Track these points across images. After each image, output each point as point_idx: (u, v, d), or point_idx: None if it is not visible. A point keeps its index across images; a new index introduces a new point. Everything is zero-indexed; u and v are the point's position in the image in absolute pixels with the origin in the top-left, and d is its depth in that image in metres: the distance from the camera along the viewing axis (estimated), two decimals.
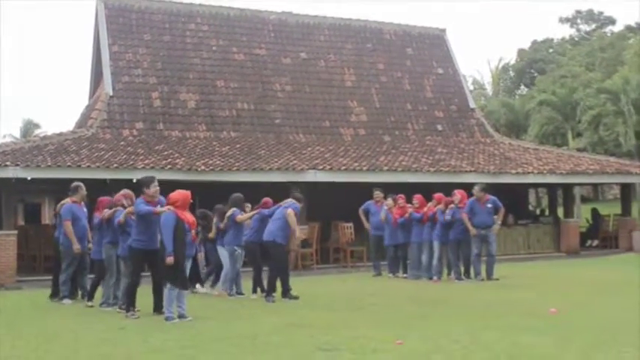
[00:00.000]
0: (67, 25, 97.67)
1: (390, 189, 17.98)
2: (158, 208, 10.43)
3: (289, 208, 12.74)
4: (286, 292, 12.65)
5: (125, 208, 11.38)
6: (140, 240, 10.66)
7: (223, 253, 13.60)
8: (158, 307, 10.75)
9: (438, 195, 16.15)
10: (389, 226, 16.98)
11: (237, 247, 13.37)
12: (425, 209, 16.15)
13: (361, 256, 20.86)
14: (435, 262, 15.82)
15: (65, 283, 12.90)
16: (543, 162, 24.09)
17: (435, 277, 15.76)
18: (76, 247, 12.59)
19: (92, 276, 12.77)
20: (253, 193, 13.66)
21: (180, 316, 10.12)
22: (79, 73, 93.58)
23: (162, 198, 10.84)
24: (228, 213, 13.40)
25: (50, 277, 14.03)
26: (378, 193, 17.72)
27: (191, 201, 10.57)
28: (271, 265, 12.82)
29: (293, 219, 12.59)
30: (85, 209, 13.03)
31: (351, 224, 20.86)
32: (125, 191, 11.84)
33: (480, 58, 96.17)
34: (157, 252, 10.43)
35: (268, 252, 12.80)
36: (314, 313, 10.88)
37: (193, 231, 10.33)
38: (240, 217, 13.30)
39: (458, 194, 15.70)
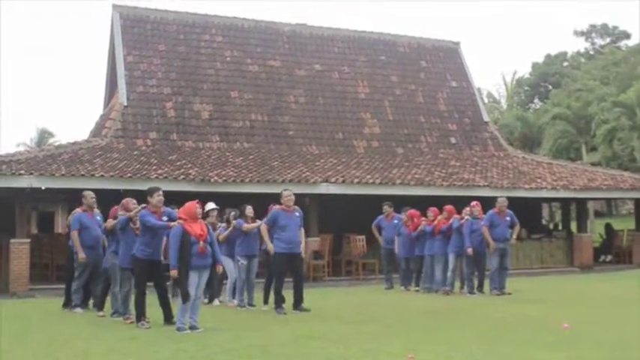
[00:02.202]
0: (83, 34, 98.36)
1: (402, 202, 17.95)
2: (171, 223, 10.45)
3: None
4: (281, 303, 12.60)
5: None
6: (145, 250, 10.67)
7: (227, 262, 13.60)
8: (168, 318, 10.75)
9: (449, 207, 16.11)
10: (402, 239, 16.94)
11: (241, 258, 13.33)
12: (435, 222, 16.11)
13: (373, 268, 20.81)
14: (448, 273, 15.75)
15: (77, 291, 12.93)
16: (557, 176, 24.00)
17: (447, 288, 15.67)
18: (81, 256, 12.65)
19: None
20: (265, 204, 13.60)
21: (192, 328, 10.10)
22: (94, 82, 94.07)
23: (168, 209, 10.86)
24: (233, 223, 13.40)
25: (63, 286, 14.07)
26: (387, 208, 17.68)
27: (198, 210, 10.53)
28: (296, 277, 12.75)
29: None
30: (98, 217, 13.06)
31: (363, 237, 20.82)
32: (125, 200, 11.77)
33: (494, 72, 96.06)
34: (160, 263, 10.49)
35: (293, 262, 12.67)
36: (325, 325, 10.84)
37: (202, 243, 10.26)
38: (247, 226, 13.27)
39: (477, 205, 15.67)
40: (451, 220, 15.75)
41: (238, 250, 13.41)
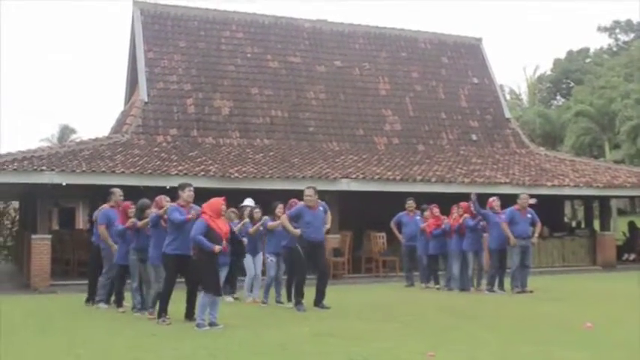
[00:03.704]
0: (104, 31, 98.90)
1: (423, 199, 17.89)
2: (189, 215, 10.51)
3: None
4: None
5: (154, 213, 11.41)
6: (173, 246, 10.71)
7: (247, 259, 13.77)
8: (190, 315, 10.79)
9: (464, 203, 16.03)
10: (422, 236, 16.90)
11: (270, 255, 13.43)
12: (451, 220, 16.04)
13: (393, 266, 20.77)
14: (469, 272, 15.68)
15: (104, 286, 13.01)
16: (580, 174, 23.83)
17: (472, 288, 15.62)
18: (114, 247, 12.71)
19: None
20: (286, 200, 13.60)
21: (212, 324, 10.13)
22: (115, 79, 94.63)
23: (196, 206, 10.89)
24: (261, 222, 13.50)
25: (84, 282, 14.16)
26: (410, 203, 17.60)
27: (223, 206, 10.57)
28: (320, 273, 12.74)
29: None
30: None
31: (383, 234, 20.80)
32: (159, 198, 11.79)
33: (516, 68, 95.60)
34: (190, 258, 10.50)
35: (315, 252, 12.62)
36: (345, 322, 10.83)
37: (225, 242, 10.30)
38: (271, 224, 13.33)
39: (497, 200, 15.60)
40: (461, 219, 15.67)
41: (267, 247, 13.60)
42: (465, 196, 16.36)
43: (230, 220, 13.21)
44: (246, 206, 14.44)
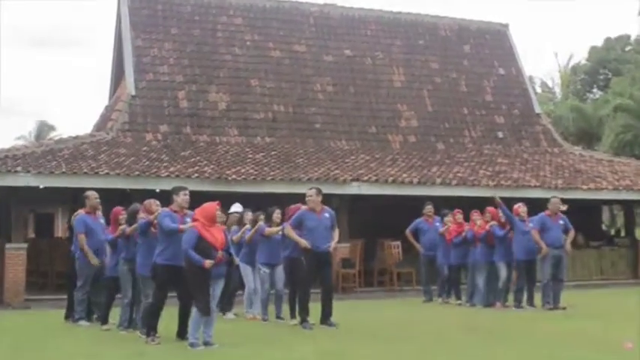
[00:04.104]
0: (86, 16, 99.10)
1: (443, 204, 17.86)
2: (183, 226, 10.47)
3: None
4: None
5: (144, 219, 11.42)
6: (164, 256, 10.70)
7: (246, 270, 13.69)
8: (182, 332, 10.77)
9: (491, 209, 16.00)
10: (442, 244, 16.88)
11: (262, 266, 13.36)
12: (475, 228, 16.00)
13: (410, 278, 20.77)
14: (499, 285, 15.66)
15: (81, 302, 13.00)
16: (619, 175, 23.78)
17: (497, 303, 15.60)
18: (94, 260, 12.72)
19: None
20: (289, 205, 13.59)
21: (206, 344, 10.12)
22: (99, 70, 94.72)
23: (191, 212, 10.89)
24: (256, 227, 13.44)
25: (63, 296, 14.16)
26: (429, 208, 17.56)
27: (218, 212, 10.57)
28: (324, 287, 12.71)
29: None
30: (102, 220, 13.16)
31: (398, 243, 20.79)
32: (148, 202, 11.80)
33: (547, 58, 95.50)
34: (183, 269, 10.45)
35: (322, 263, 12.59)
36: (355, 342, 10.81)
37: (221, 252, 10.28)
38: (269, 230, 13.30)
39: (523, 206, 15.56)
40: (488, 226, 15.62)
41: (260, 257, 13.49)
42: (491, 201, 16.32)
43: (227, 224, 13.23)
44: (235, 213, 14.42)
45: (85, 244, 12.77)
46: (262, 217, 13.61)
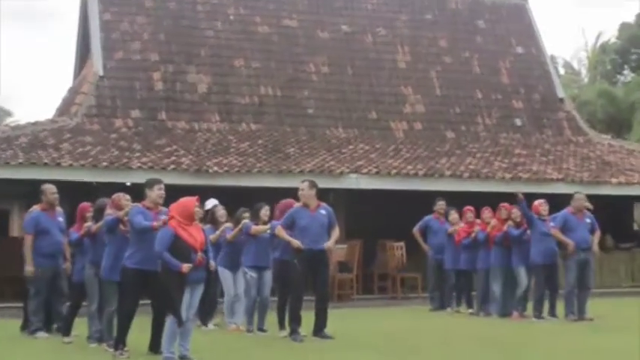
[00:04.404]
0: None
1: (452, 201, 17.85)
2: (156, 223, 10.40)
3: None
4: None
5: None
6: (135, 258, 10.64)
7: (225, 274, 13.57)
8: (155, 346, 10.72)
9: (506, 205, 15.95)
10: (450, 246, 16.87)
11: (249, 270, 13.29)
12: (488, 228, 15.95)
13: (415, 284, 20.83)
14: (519, 292, 15.63)
15: (37, 312, 12.91)
16: None
17: (515, 313, 15.59)
18: (28, 269, 12.67)
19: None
20: (279, 201, 13.55)
21: (182, 358, 10.09)
22: (62, 47, 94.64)
23: (165, 209, 10.83)
24: (240, 225, 13.35)
25: (20, 305, 14.09)
26: (441, 204, 17.54)
27: (195, 210, 10.50)
28: (318, 293, 12.66)
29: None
30: (60, 218, 13.07)
31: (402, 244, 20.80)
32: (116, 196, 11.77)
33: (571, 35, 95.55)
34: (157, 274, 10.38)
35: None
36: (353, 356, 10.80)
37: (200, 254, 10.21)
38: (255, 228, 13.22)
39: (544, 204, 15.50)
40: (505, 226, 15.58)
41: (246, 259, 13.40)
42: (507, 197, 16.29)
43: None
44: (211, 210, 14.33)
45: (33, 247, 12.70)
46: (247, 214, 13.56)
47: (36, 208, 13.07)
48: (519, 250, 15.51)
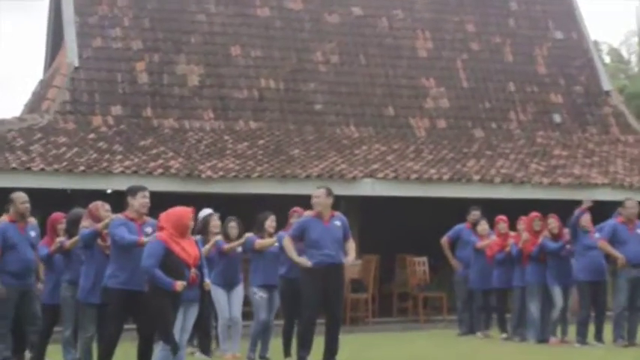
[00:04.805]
0: None
1: (482, 209, 17.84)
2: (143, 238, 10.45)
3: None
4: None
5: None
6: (119, 278, 10.68)
7: (218, 294, 13.45)
8: None
9: (537, 214, 15.95)
10: (479, 261, 16.83)
11: (258, 290, 13.31)
12: (520, 244, 15.91)
13: (440, 305, 20.82)
14: (554, 314, 15.66)
15: (3, 338, 12.93)
16: None
17: (553, 338, 15.61)
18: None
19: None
20: (282, 211, 13.60)
21: None
22: (31, 34, 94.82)
23: (153, 220, 10.87)
24: (242, 240, 13.37)
25: None
26: (475, 214, 17.51)
27: (191, 222, 10.55)
28: (330, 315, 12.66)
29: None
30: (33, 233, 13.06)
31: (424, 259, 20.80)
32: (93, 205, 11.81)
33: (619, 18, 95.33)
34: (143, 295, 10.40)
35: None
36: None
37: (194, 270, 10.25)
38: (260, 242, 13.26)
39: (587, 214, 15.49)
40: (541, 237, 15.59)
41: (254, 278, 13.43)
42: (544, 204, 16.29)
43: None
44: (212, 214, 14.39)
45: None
46: (233, 223, 13.57)
47: (3, 220, 13.03)
48: (555, 265, 15.54)
